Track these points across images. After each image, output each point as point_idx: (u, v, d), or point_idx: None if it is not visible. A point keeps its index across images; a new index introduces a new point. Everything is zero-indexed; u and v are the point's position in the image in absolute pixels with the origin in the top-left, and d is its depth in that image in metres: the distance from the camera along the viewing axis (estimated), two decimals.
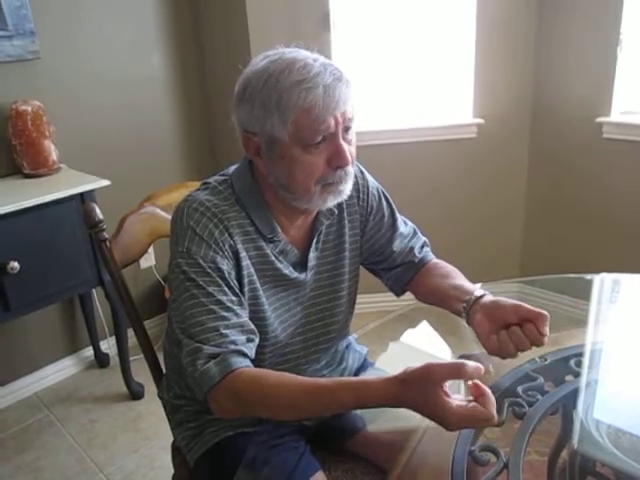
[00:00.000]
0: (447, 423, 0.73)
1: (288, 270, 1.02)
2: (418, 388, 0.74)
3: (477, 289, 1.04)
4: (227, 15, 2.41)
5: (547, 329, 0.91)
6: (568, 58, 2.33)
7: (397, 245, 1.17)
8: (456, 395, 0.75)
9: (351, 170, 0.96)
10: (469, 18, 2.35)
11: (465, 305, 1.01)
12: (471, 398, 0.76)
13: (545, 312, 0.92)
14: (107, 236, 1.20)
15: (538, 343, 0.92)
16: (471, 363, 0.74)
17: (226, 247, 0.94)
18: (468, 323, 1.01)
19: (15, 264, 1.82)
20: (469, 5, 2.33)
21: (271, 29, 2.32)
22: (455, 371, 0.74)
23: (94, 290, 2.28)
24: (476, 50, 2.39)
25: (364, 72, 2.46)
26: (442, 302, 1.09)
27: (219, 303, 0.91)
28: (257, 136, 0.93)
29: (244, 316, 0.94)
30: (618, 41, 2.16)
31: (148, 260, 2.52)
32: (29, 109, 1.98)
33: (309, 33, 2.32)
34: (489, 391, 0.75)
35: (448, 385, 0.75)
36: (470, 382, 0.76)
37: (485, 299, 1.00)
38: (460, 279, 1.11)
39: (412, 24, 2.41)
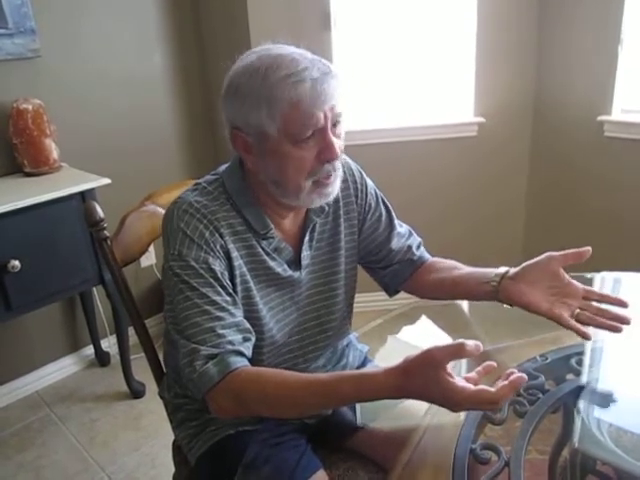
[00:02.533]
0: (453, 403, 0.74)
1: (281, 268, 1.02)
2: (421, 373, 0.75)
3: (497, 268, 1.04)
4: (228, 14, 2.41)
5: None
6: (569, 57, 2.33)
7: (395, 244, 1.17)
8: (458, 377, 0.76)
9: (339, 165, 0.96)
10: (470, 16, 2.35)
11: (493, 282, 1.01)
12: (475, 376, 0.78)
13: (581, 249, 0.95)
14: (108, 235, 1.20)
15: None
16: (470, 341, 0.74)
17: (217, 248, 0.94)
18: (499, 300, 1.01)
19: (16, 263, 1.82)
20: (470, 3, 2.33)
21: (272, 28, 2.31)
22: (456, 351, 0.74)
23: (95, 289, 2.28)
24: (477, 48, 2.38)
25: (365, 71, 2.46)
26: (457, 291, 1.10)
27: (214, 303, 0.91)
28: (246, 132, 0.93)
29: (239, 316, 0.94)
30: (619, 40, 2.16)
31: (149, 259, 2.52)
32: (30, 107, 1.98)
33: (310, 32, 2.32)
34: (517, 380, 0.75)
35: (450, 367, 0.75)
36: (508, 371, 0.78)
37: (512, 271, 1.01)
38: (469, 268, 1.11)
39: (413, 22, 2.40)
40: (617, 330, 0.93)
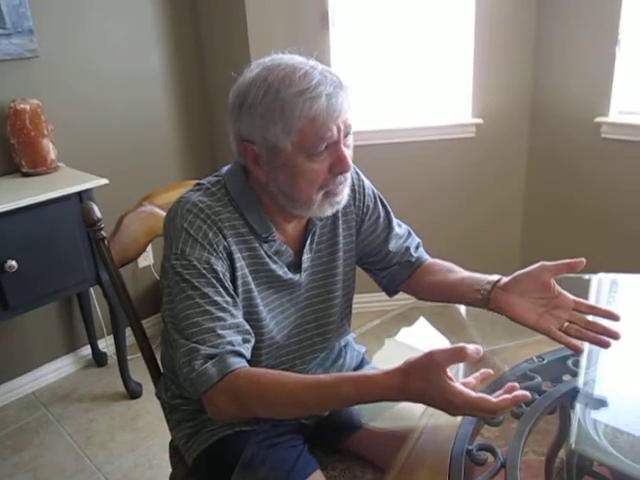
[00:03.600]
0: (452, 407, 0.74)
1: (282, 271, 1.02)
2: (422, 376, 0.75)
3: (491, 275, 1.04)
4: (226, 14, 2.41)
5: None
6: (567, 58, 2.34)
7: (393, 245, 1.17)
8: (457, 382, 0.76)
9: (349, 176, 0.97)
10: (468, 18, 2.36)
11: (483, 291, 1.01)
12: (473, 381, 0.79)
13: (575, 260, 0.94)
14: (105, 235, 1.20)
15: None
16: (470, 345, 0.75)
17: (220, 248, 0.94)
18: (489, 308, 1.01)
19: (13, 263, 1.81)
20: (468, 5, 2.34)
21: (270, 27, 2.31)
22: (457, 354, 0.75)
23: (92, 289, 2.28)
24: (475, 50, 2.39)
25: (363, 71, 2.46)
26: (451, 295, 1.10)
27: (215, 304, 0.91)
28: (256, 145, 0.93)
29: (239, 317, 0.94)
30: (616, 41, 2.17)
31: (146, 259, 2.52)
32: (27, 108, 1.97)
33: (308, 32, 2.32)
34: (520, 397, 0.75)
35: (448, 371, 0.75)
36: (509, 384, 0.78)
37: (503, 280, 1.01)
38: (465, 272, 1.11)
39: (411, 23, 2.41)
40: (605, 345, 0.93)
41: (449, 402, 0.74)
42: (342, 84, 0.90)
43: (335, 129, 0.89)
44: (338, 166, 0.92)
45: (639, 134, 2.20)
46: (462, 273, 1.12)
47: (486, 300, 1.01)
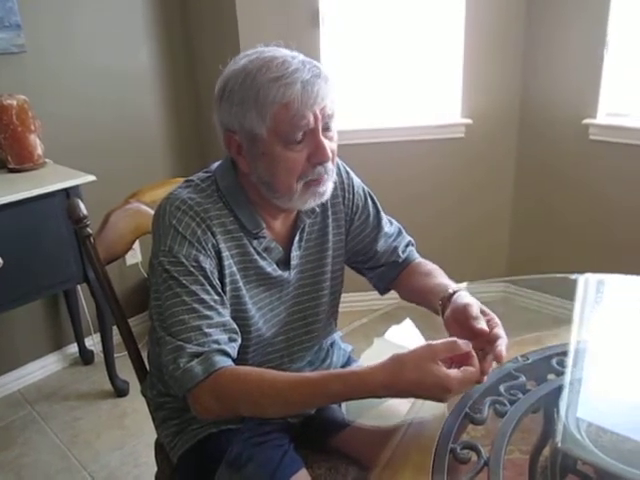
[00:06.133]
0: (447, 390, 0.78)
1: (271, 268, 1.02)
2: (419, 365, 0.78)
3: (451, 286, 1.02)
4: (216, 10, 2.40)
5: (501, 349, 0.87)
6: (555, 59, 2.35)
7: (381, 245, 1.17)
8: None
9: (331, 167, 0.96)
10: (458, 18, 2.37)
11: (440, 302, 1.01)
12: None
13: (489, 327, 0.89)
14: (91, 232, 1.19)
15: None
16: (461, 340, 0.81)
17: (209, 246, 0.93)
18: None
19: None
20: (458, 5, 2.34)
21: (260, 24, 2.31)
22: (451, 346, 0.80)
23: (79, 286, 2.26)
24: (464, 50, 2.40)
25: (352, 69, 2.47)
26: (423, 300, 1.10)
27: (202, 302, 0.91)
28: (238, 134, 0.93)
29: (226, 315, 0.94)
30: (604, 42, 2.18)
31: (134, 257, 2.50)
32: (14, 103, 1.96)
33: (298, 29, 2.32)
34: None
35: None
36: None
37: (457, 297, 0.97)
38: (441, 277, 1.11)
39: (401, 22, 2.41)
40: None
41: (443, 387, 0.78)
42: (322, 74, 0.90)
43: (311, 117, 0.89)
44: (316, 156, 0.92)
45: (626, 136, 2.22)
46: (437, 279, 1.09)
47: (442, 312, 0.99)
